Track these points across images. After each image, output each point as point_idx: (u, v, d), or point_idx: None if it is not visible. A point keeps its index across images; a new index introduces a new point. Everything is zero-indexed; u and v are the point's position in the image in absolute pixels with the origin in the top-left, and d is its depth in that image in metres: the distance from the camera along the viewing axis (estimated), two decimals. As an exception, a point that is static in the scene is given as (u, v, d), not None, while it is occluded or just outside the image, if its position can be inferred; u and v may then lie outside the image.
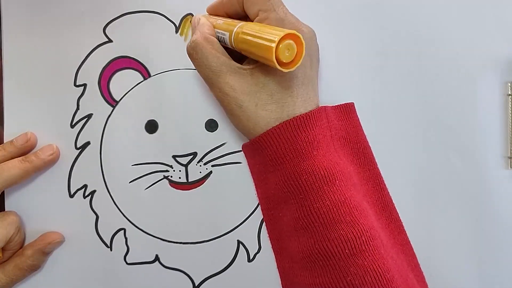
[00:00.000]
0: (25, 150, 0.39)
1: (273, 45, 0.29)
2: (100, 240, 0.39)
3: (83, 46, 0.40)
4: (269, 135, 0.33)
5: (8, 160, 0.37)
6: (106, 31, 0.40)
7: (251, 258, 0.39)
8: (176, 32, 0.40)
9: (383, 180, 0.38)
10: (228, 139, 0.40)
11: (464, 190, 0.39)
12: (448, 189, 0.39)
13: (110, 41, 0.40)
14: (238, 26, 0.33)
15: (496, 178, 0.39)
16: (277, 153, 0.33)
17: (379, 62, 0.39)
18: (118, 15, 0.40)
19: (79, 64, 0.40)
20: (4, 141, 0.39)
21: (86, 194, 0.40)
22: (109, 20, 0.40)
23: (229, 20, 0.35)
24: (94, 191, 0.40)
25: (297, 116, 0.33)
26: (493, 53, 0.39)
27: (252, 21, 0.34)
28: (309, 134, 0.33)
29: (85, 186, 0.40)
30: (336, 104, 0.38)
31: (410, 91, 0.39)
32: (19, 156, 0.38)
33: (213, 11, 0.38)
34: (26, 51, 0.40)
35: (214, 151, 0.40)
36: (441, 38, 0.39)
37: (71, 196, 0.40)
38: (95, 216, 0.39)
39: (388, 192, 0.38)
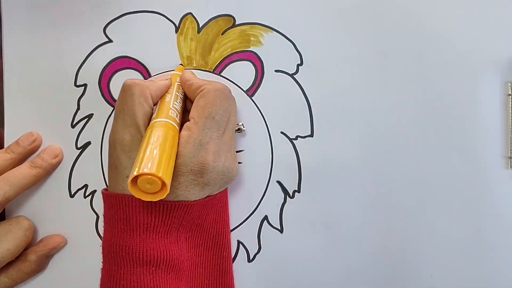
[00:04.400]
0: (32, 151, 0.39)
1: (128, 182, 0.28)
2: (100, 240, 0.39)
3: (83, 46, 0.40)
4: (120, 198, 0.32)
5: (18, 165, 0.38)
6: (106, 31, 0.40)
7: (251, 258, 0.39)
8: (176, 32, 0.40)
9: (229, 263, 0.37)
10: (228, 139, 0.39)
11: (464, 190, 0.39)
12: (448, 189, 0.39)
13: (110, 41, 0.40)
14: (156, 120, 0.32)
15: (496, 178, 0.39)
16: (113, 217, 0.32)
17: (379, 62, 0.39)
18: (118, 15, 0.40)
19: (80, 64, 0.40)
20: (5, 142, 0.39)
21: (86, 194, 0.40)
22: (109, 20, 0.40)
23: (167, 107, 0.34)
24: (94, 191, 0.40)
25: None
26: (493, 53, 0.39)
27: None
28: (145, 218, 0.32)
29: (85, 186, 0.40)
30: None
31: (410, 91, 0.39)
32: (26, 156, 0.38)
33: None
34: (26, 51, 0.40)
35: (214, 151, 0.40)
36: (441, 38, 0.39)
37: (72, 196, 0.40)
38: (95, 216, 0.39)
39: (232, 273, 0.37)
